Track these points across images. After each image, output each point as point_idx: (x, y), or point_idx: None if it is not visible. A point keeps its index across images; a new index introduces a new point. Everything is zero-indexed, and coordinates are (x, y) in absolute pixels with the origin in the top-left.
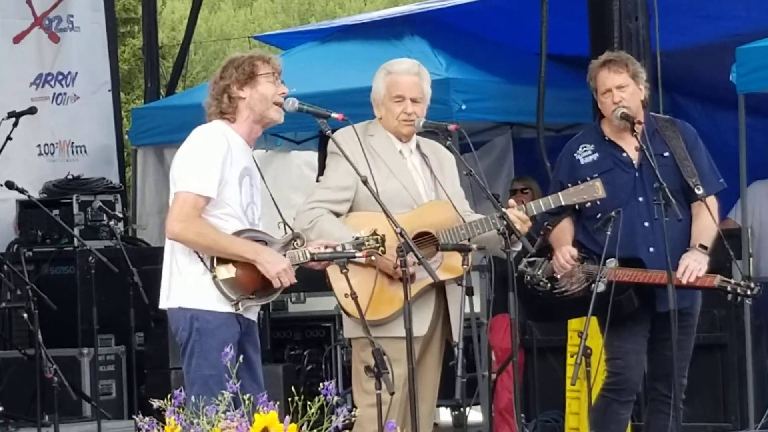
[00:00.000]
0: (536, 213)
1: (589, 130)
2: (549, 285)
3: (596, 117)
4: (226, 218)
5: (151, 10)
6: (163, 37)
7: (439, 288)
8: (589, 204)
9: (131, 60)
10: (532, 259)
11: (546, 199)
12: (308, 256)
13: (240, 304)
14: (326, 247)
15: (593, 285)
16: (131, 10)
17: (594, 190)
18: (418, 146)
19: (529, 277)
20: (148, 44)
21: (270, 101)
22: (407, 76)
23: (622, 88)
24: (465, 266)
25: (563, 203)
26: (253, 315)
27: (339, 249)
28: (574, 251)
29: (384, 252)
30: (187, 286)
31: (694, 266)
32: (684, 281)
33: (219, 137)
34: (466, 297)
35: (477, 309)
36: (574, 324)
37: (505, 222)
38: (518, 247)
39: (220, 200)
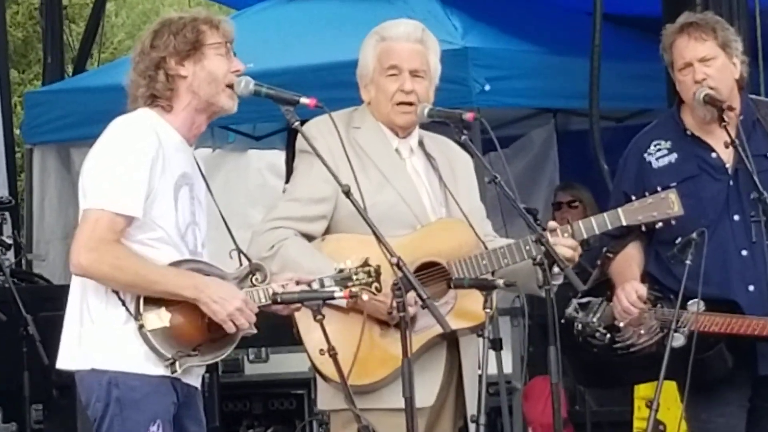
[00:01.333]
0: (587, 237)
1: (664, 121)
2: (608, 336)
3: (674, 102)
4: (157, 245)
5: None
6: None
7: (451, 341)
8: (660, 224)
9: (27, 24)
10: (584, 300)
11: (601, 217)
12: (270, 296)
13: (177, 363)
14: (297, 284)
15: (668, 337)
16: None
17: (667, 204)
18: (421, 144)
19: (580, 326)
20: (48, 2)
21: (221, 82)
22: (406, 42)
23: (706, 61)
24: (487, 310)
25: (624, 223)
26: (195, 379)
27: (315, 286)
28: (643, 290)
29: (380, 290)
30: (102, 340)
31: None
32: None
33: (146, 133)
34: (491, 352)
35: (508, 369)
36: (642, 390)
37: (543, 247)
38: (559, 281)
39: (148, 221)
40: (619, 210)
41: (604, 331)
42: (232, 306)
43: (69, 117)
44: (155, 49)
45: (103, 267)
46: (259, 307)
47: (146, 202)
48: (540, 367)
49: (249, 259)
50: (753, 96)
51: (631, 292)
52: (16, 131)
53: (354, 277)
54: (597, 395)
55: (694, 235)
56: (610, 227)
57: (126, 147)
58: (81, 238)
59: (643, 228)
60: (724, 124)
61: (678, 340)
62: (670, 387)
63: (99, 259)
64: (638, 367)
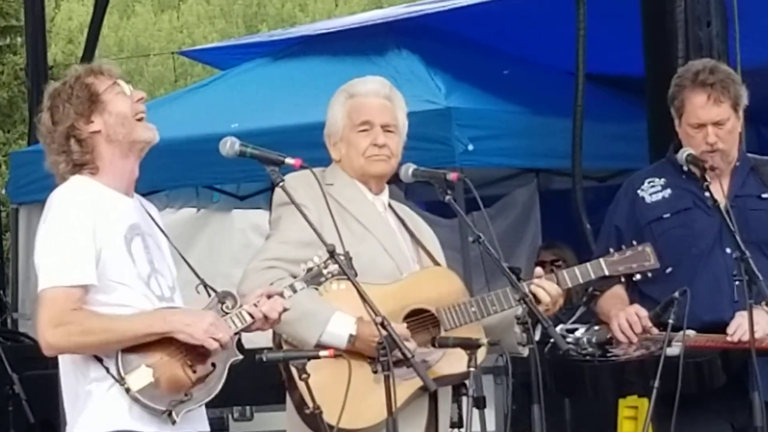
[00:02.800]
0: (572, 285)
1: (659, 164)
2: (599, 352)
3: (659, 158)
4: (125, 302)
5: (37, 16)
6: (56, 53)
7: (432, 393)
8: (639, 277)
9: (12, 84)
10: (572, 327)
11: (584, 266)
12: (248, 319)
13: (174, 412)
14: (268, 297)
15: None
16: (11, 15)
17: (644, 257)
18: (390, 205)
19: (572, 340)
20: (33, 62)
21: (131, 119)
22: (375, 98)
23: (721, 124)
24: (472, 368)
25: (607, 273)
26: (202, 425)
27: (287, 294)
28: (643, 311)
29: (356, 274)
30: (95, 406)
31: (747, 325)
32: (735, 339)
33: (80, 200)
34: (475, 410)
35: (491, 427)
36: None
37: (526, 307)
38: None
39: (108, 283)
40: (601, 260)
41: (596, 345)
42: (205, 323)
43: (54, 177)
44: (58, 123)
45: (73, 337)
46: (238, 331)
47: (98, 264)
48: (524, 424)
49: (215, 290)
50: (751, 155)
51: (632, 312)
52: (2, 191)
53: (324, 271)
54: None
55: (676, 294)
56: (593, 276)
57: (64, 220)
58: (43, 320)
59: (622, 279)
60: (706, 184)
61: (673, 350)
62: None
63: (66, 331)
64: (625, 379)
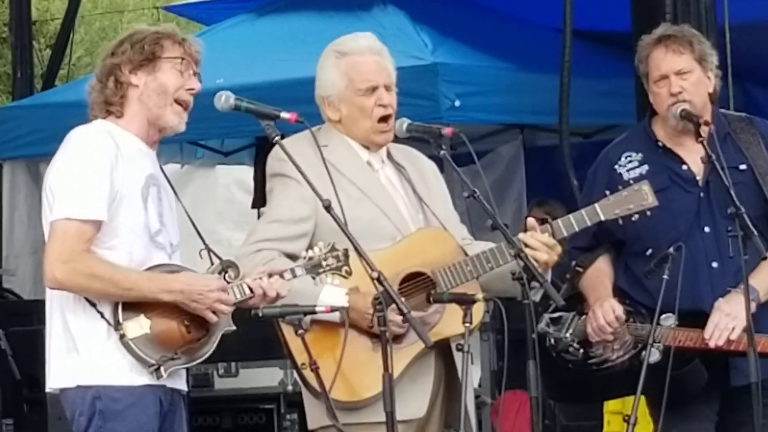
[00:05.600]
0: (567, 234)
1: (636, 133)
2: (581, 351)
3: (645, 115)
4: (127, 248)
5: None
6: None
7: (439, 351)
8: (636, 216)
9: None
10: (556, 315)
11: (579, 213)
12: (247, 291)
13: (162, 368)
14: (270, 276)
15: (643, 353)
16: None
17: (641, 196)
18: (389, 155)
19: (553, 341)
20: (17, 16)
21: (170, 96)
22: (371, 55)
23: (683, 74)
24: (467, 324)
25: (603, 218)
26: (180, 383)
27: (287, 276)
28: (619, 309)
29: (350, 273)
30: (85, 356)
31: (724, 324)
32: (712, 344)
33: (103, 140)
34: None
35: (477, 384)
36: (611, 405)
37: (522, 262)
38: (537, 296)
39: (117, 225)
40: (596, 205)
41: (577, 346)
42: (210, 299)
43: (39, 132)
44: (113, 56)
45: (78, 278)
46: (237, 303)
47: (111, 206)
48: (511, 381)
49: (219, 257)
50: (723, 110)
51: (608, 310)
52: None
53: (323, 263)
54: (567, 409)
55: (671, 249)
56: (588, 223)
57: (84, 156)
58: (52, 252)
59: (620, 221)
60: (701, 139)
61: (653, 356)
62: (641, 403)
63: (73, 270)
64: (610, 382)
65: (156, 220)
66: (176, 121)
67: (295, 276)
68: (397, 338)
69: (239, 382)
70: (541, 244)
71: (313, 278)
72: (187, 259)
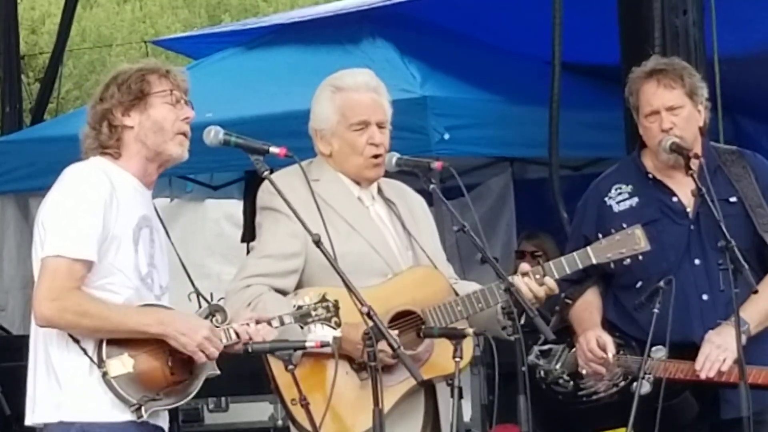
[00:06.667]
0: (558, 277)
1: (626, 165)
2: (571, 384)
3: (632, 149)
4: (117, 289)
5: (9, 6)
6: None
7: (428, 388)
8: (628, 261)
9: None
10: (546, 347)
11: (571, 256)
12: (233, 336)
13: (143, 408)
14: (257, 323)
15: (634, 384)
16: None
17: (634, 240)
18: (380, 190)
19: (543, 373)
20: (6, 50)
21: (169, 131)
22: (366, 93)
23: (674, 109)
24: (457, 359)
25: (594, 262)
26: (163, 421)
27: (275, 324)
28: (608, 340)
29: (339, 324)
30: (67, 392)
31: (715, 355)
32: (703, 376)
33: (98, 178)
34: (451, 400)
35: (468, 418)
36: None
37: (512, 297)
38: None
39: (107, 265)
40: (589, 249)
41: (567, 378)
42: (199, 336)
43: (28, 167)
44: (102, 102)
45: (67, 315)
46: (225, 346)
47: (102, 246)
48: (501, 415)
49: (208, 301)
50: (714, 143)
51: (592, 340)
52: None
53: (313, 313)
54: None
55: (661, 283)
56: (580, 266)
57: (78, 193)
58: (42, 289)
59: (612, 266)
60: (691, 172)
61: (644, 387)
62: None
63: (62, 307)
64: (600, 414)
65: (145, 262)
66: (179, 151)
67: (282, 324)
68: (387, 375)
69: (229, 416)
70: (529, 291)
71: (301, 327)
72: (176, 296)
